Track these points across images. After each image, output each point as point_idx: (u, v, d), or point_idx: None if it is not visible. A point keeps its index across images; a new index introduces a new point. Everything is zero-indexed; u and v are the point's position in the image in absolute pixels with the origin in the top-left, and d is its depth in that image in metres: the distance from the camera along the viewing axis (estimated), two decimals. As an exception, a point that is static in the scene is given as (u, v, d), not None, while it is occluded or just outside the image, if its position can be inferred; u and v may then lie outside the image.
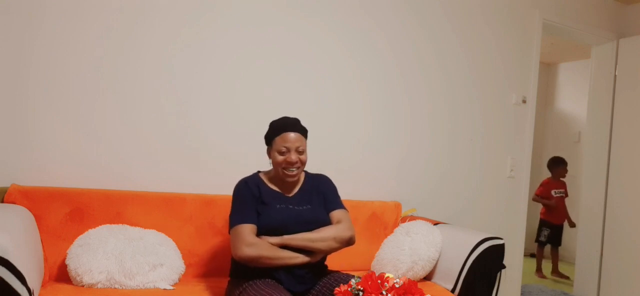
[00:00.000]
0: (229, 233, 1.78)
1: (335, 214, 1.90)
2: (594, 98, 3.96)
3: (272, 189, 1.87)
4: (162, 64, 2.25)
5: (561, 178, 4.83)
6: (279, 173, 1.85)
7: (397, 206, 2.72)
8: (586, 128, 4.05)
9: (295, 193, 1.90)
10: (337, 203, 1.95)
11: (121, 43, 2.16)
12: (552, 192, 4.75)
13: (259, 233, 1.76)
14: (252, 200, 1.80)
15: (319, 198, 1.93)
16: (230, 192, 2.28)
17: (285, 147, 1.81)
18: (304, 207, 1.86)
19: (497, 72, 3.26)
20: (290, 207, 1.84)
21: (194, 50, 2.31)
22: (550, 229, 4.75)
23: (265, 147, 1.92)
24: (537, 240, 4.87)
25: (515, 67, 3.34)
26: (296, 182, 1.92)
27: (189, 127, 2.31)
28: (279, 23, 2.50)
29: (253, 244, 1.70)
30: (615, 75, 3.82)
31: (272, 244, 1.73)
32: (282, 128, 1.84)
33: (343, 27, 2.67)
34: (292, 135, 1.82)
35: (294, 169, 1.83)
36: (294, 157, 1.81)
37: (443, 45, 3.02)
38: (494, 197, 3.28)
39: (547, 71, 6.27)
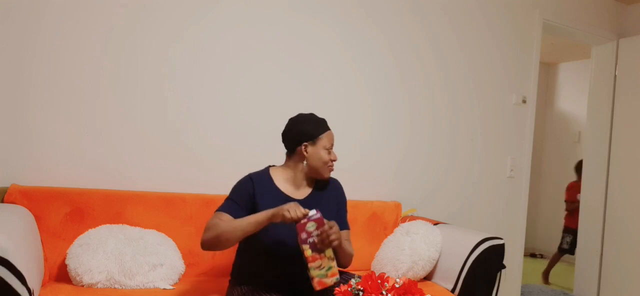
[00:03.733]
0: None
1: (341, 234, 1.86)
2: (594, 98, 3.96)
3: (280, 191, 1.77)
4: (162, 64, 2.25)
5: None
6: (320, 170, 1.79)
7: (397, 206, 2.72)
8: (586, 128, 4.04)
9: (305, 199, 1.81)
10: (345, 222, 1.91)
11: (122, 43, 2.16)
12: (578, 196, 4.48)
13: (258, 246, 1.69)
14: (246, 200, 1.71)
15: (331, 207, 1.85)
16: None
17: (331, 143, 1.79)
18: None
19: (497, 72, 3.26)
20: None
21: (195, 51, 2.31)
22: (573, 236, 4.43)
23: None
24: (560, 247, 4.61)
25: (515, 67, 3.34)
26: (308, 182, 1.84)
27: (189, 127, 2.31)
28: (280, 23, 2.49)
29: (209, 227, 1.61)
30: (615, 75, 3.82)
31: None
32: (325, 125, 1.81)
33: (343, 27, 2.67)
34: (332, 133, 1.82)
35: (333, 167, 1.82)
36: (335, 155, 1.81)
37: (443, 46, 3.02)
38: (494, 197, 3.29)
39: (547, 71, 6.27)
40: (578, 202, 4.42)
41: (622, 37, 3.81)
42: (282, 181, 1.80)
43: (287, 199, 1.77)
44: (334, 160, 1.80)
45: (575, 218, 4.44)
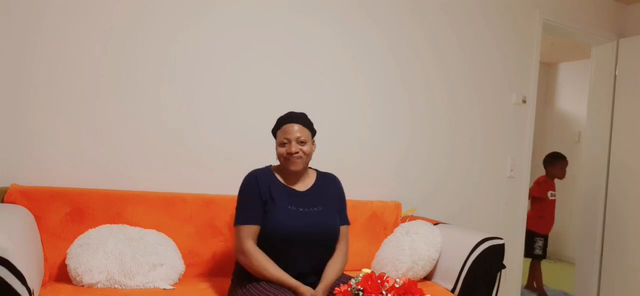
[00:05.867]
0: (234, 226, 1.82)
1: (341, 230, 1.92)
2: (594, 98, 3.96)
3: (283, 184, 1.86)
4: (163, 64, 2.25)
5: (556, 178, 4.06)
6: (283, 165, 1.86)
7: (397, 206, 2.72)
8: (586, 128, 4.04)
9: (308, 190, 1.89)
10: (344, 217, 1.97)
11: (122, 43, 2.16)
12: (548, 194, 4.02)
13: (268, 236, 1.76)
14: (258, 198, 1.80)
15: (332, 200, 1.94)
16: (230, 192, 2.29)
17: (286, 138, 1.83)
18: (315, 209, 1.85)
19: (497, 72, 3.26)
20: (301, 209, 1.82)
21: (195, 51, 2.31)
22: (544, 240, 4.01)
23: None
24: (533, 254, 4.01)
25: (515, 67, 3.34)
26: (306, 177, 1.93)
27: (189, 127, 2.31)
28: (280, 23, 2.49)
29: (246, 252, 1.74)
30: (615, 75, 3.82)
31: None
32: (283, 120, 1.87)
33: (343, 27, 2.67)
34: (292, 126, 1.84)
35: (295, 159, 1.82)
36: (293, 147, 1.81)
37: (443, 46, 3.02)
38: (494, 197, 3.28)
39: (547, 71, 6.27)
40: (547, 199, 3.99)
41: (622, 37, 3.81)
42: (283, 177, 1.89)
43: (293, 192, 1.85)
44: (292, 153, 1.81)
45: (545, 221, 3.99)
